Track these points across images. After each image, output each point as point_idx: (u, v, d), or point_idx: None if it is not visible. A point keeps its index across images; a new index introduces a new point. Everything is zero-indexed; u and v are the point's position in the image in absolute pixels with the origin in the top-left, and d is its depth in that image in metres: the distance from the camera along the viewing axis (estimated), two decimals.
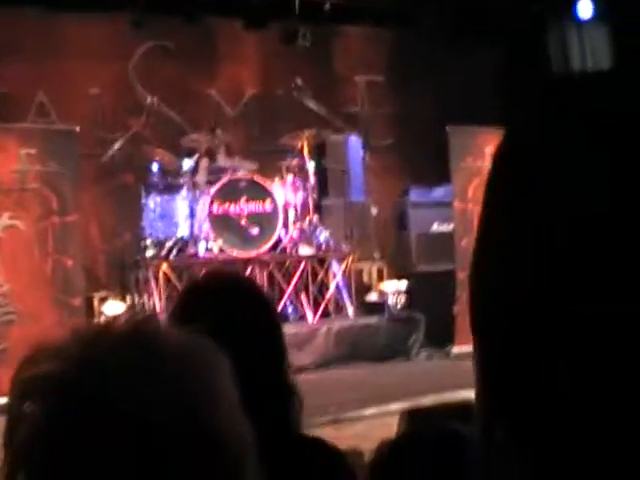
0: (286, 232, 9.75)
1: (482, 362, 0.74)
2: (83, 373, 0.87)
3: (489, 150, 9.76)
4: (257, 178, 9.68)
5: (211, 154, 10.08)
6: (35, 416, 0.86)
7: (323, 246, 10.01)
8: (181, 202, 9.65)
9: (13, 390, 0.91)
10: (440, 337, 9.68)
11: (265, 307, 2.12)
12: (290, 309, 9.87)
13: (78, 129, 8.69)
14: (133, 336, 0.91)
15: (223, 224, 9.40)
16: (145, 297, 9.51)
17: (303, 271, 9.87)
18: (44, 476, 0.86)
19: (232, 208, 9.46)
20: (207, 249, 9.37)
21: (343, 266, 10.03)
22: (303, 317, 9.80)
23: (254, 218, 9.49)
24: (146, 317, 0.98)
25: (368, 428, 6.00)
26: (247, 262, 9.56)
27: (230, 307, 2.02)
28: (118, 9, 10.44)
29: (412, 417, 3.66)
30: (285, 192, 9.84)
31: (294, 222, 9.86)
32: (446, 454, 1.64)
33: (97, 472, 0.84)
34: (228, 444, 0.89)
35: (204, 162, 9.90)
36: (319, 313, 9.75)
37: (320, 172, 10.47)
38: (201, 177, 9.85)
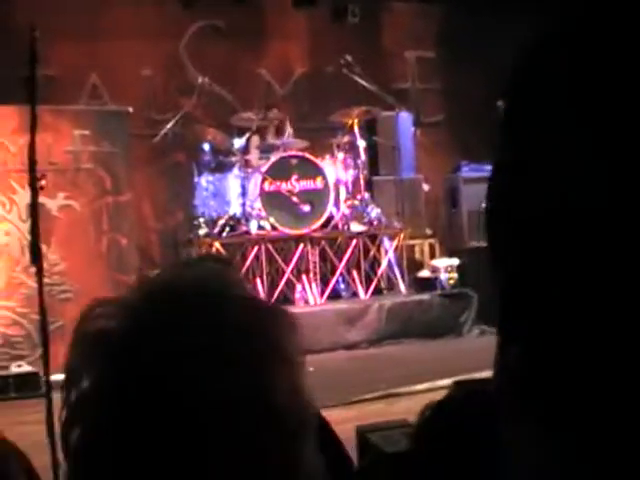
0: (337, 209, 9.77)
1: (498, 284, 0.74)
2: (145, 332, 0.87)
3: None
4: (308, 156, 9.71)
5: (262, 132, 10.13)
6: (95, 372, 0.87)
7: (374, 223, 10.01)
8: (233, 180, 9.71)
9: (74, 344, 0.92)
10: (492, 314, 9.61)
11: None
12: (342, 286, 9.89)
13: (131, 110, 8.79)
14: (199, 296, 0.91)
15: (275, 202, 9.45)
16: None
17: (355, 248, 9.89)
18: (99, 432, 0.86)
19: (283, 186, 9.51)
20: (259, 227, 9.43)
21: (395, 243, 10.02)
22: (355, 294, 9.82)
23: (305, 195, 9.52)
24: (214, 272, 0.96)
25: (418, 403, 6.00)
26: (299, 239, 9.60)
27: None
28: None
29: (460, 386, 3.68)
30: (336, 169, 9.85)
31: (345, 199, 9.87)
32: (490, 412, 1.65)
33: (150, 431, 0.84)
34: (287, 416, 0.88)
35: (255, 140, 9.96)
36: (371, 290, 9.77)
37: (371, 149, 10.48)
38: (253, 155, 9.91)
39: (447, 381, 6.53)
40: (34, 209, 4.04)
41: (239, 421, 0.85)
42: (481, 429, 1.71)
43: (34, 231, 3.91)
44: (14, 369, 7.71)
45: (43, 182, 4.09)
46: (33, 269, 7.29)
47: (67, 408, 0.90)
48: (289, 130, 10.25)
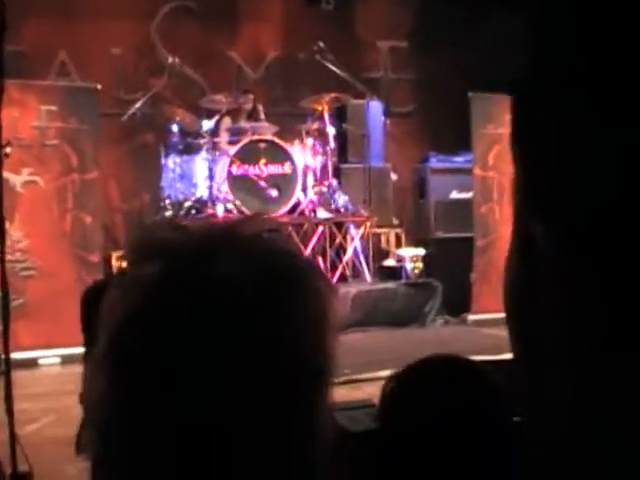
0: (305, 195, 9.74)
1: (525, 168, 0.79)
2: (202, 250, 0.89)
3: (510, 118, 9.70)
4: (277, 140, 9.66)
5: (232, 115, 10.07)
6: (150, 277, 0.88)
7: (341, 210, 9.99)
8: (200, 163, 9.64)
9: (129, 250, 0.98)
10: (457, 304, 9.67)
11: None
12: None
13: (99, 87, 8.69)
14: (256, 243, 0.93)
15: (242, 185, 9.41)
16: None
17: (321, 235, 9.86)
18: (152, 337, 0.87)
19: (251, 170, 9.46)
20: (226, 210, 9.37)
21: (361, 231, 10.01)
22: None
23: (273, 180, 9.49)
24: (275, 234, 0.96)
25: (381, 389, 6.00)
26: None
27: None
28: None
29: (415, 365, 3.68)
30: (305, 155, 9.82)
31: (313, 185, 9.84)
32: (460, 377, 1.64)
33: (188, 343, 0.85)
34: (312, 356, 0.91)
35: (225, 123, 9.89)
36: (336, 277, 9.75)
37: (340, 136, 10.44)
38: (222, 138, 9.85)
39: None
40: None
41: (265, 350, 0.87)
42: (445, 402, 1.70)
43: None
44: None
45: (8, 149, 4.02)
46: None
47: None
48: (261, 114, 10.21)
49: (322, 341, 0.93)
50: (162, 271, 0.88)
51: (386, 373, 6.34)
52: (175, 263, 0.88)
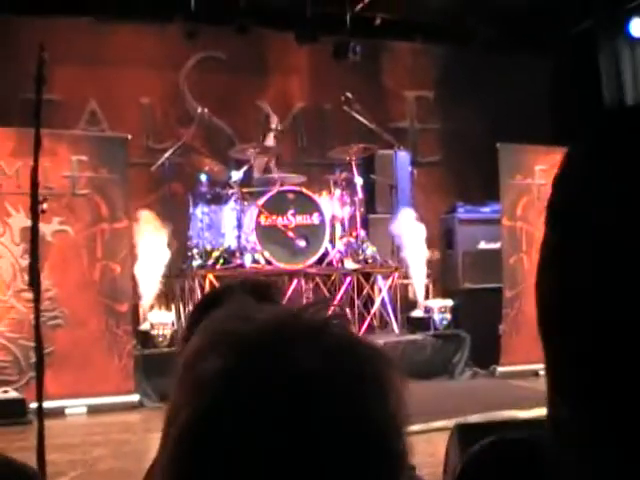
0: (333, 246, 9.72)
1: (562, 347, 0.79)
2: (276, 344, 0.86)
3: (539, 168, 9.68)
4: (305, 191, 9.67)
5: (260, 166, 10.10)
6: (216, 370, 0.85)
7: (369, 261, 9.96)
8: (229, 212, 9.66)
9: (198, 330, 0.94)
10: (485, 356, 9.58)
11: None
12: None
13: (129, 137, 8.74)
14: (324, 328, 0.91)
15: (270, 236, 9.40)
16: (191, 307, 9.51)
17: (349, 285, 9.83)
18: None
19: (280, 220, 9.46)
20: (253, 260, 9.36)
21: (389, 281, 9.97)
22: None
23: (301, 230, 9.48)
24: (338, 315, 0.95)
25: (412, 445, 5.92)
26: (293, 274, 9.54)
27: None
28: (171, 19, 10.52)
29: (464, 432, 3.61)
30: (332, 205, 9.83)
31: (341, 236, 9.83)
32: (522, 459, 1.60)
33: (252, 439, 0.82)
34: (393, 440, 0.89)
35: (253, 173, 9.93)
36: (364, 328, 9.70)
37: (368, 187, 10.45)
38: (250, 188, 9.87)
39: (440, 423, 6.47)
40: (35, 233, 3.97)
41: (343, 439, 0.85)
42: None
43: (34, 253, 3.83)
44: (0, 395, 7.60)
45: (45, 206, 4.03)
46: (24, 294, 7.22)
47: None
48: (285, 165, 10.26)
49: (400, 428, 0.91)
50: (240, 367, 0.85)
51: (417, 428, 6.19)
52: (250, 358, 0.85)
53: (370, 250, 9.96)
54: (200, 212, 9.74)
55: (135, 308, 8.99)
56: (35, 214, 3.93)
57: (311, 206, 9.59)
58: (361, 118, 10.21)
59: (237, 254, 9.42)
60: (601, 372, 0.72)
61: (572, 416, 0.77)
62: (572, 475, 0.76)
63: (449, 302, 10.03)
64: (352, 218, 9.95)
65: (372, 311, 9.89)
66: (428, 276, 10.50)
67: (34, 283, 3.74)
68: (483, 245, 10.45)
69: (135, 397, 8.13)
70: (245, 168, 9.80)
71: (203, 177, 9.78)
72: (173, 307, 9.56)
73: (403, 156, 10.86)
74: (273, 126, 10.31)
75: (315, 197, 9.67)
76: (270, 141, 10.27)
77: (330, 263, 9.75)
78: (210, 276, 9.23)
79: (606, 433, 0.72)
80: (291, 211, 9.49)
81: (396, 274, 10.00)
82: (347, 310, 9.49)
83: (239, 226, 9.47)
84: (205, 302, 2.08)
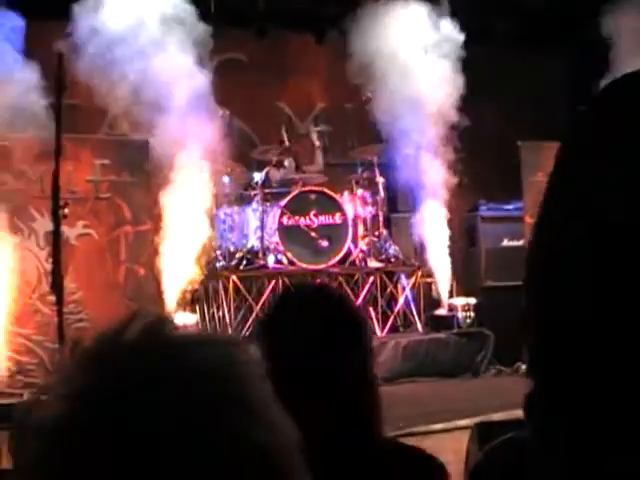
0: (355, 245, 9.74)
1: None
2: (101, 387, 0.77)
3: None
4: (327, 191, 9.69)
5: (281, 166, 10.13)
6: (46, 423, 0.76)
7: (392, 260, 9.97)
8: (251, 214, 9.70)
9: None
10: (509, 354, 9.55)
11: (358, 325, 2.06)
12: None
13: (151, 140, 8.79)
14: (149, 346, 0.80)
15: (293, 236, 9.43)
16: (214, 308, 9.56)
17: (372, 284, 9.84)
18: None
19: (302, 220, 9.49)
20: (277, 261, 9.40)
21: (412, 280, 9.97)
22: (371, 331, 9.73)
23: (324, 231, 9.50)
24: (157, 322, 0.83)
25: (437, 443, 5.94)
26: (316, 274, 9.56)
27: (324, 321, 1.98)
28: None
29: (484, 430, 3.63)
30: (355, 205, 9.85)
31: (363, 235, 9.85)
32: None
33: None
34: (273, 457, 0.78)
35: (275, 174, 9.96)
36: (387, 327, 9.71)
37: (390, 186, 10.45)
38: (272, 189, 9.90)
39: (464, 421, 6.47)
40: (56, 237, 4.02)
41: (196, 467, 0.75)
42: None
43: (56, 259, 3.89)
44: (27, 397, 7.67)
45: (66, 210, 4.08)
46: (50, 297, 7.29)
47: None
48: (318, 161, 10.27)
49: (280, 438, 0.81)
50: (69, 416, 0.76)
51: (440, 427, 6.20)
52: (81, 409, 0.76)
53: (392, 249, 9.98)
54: (223, 214, 9.78)
55: (160, 310, 9.04)
56: (57, 219, 3.97)
57: (333, 206, 9.61)
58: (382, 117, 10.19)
59: (260, 255, 9.45)
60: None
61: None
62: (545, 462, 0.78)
63: (472, 300, 10.02)
64: (374, 217, 9.97)
65: (395, 310, 9.89)
66: (451, 273, 10.49)
67: (56, 287, 3.79)
68: (506, 243, 10.44)
69: None
70: (267, 169, 9.84)
71: (225, 179, 9.83)
72: (197, 308, 9.61)
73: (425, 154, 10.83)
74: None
75: (337, 197, 9.69)
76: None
77: (353, 263, 9.77)
78: (234, 277, 9.27)
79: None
80: (313, 211, 9.52)
81: (419, 273, 10.00)
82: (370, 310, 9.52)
83: (262, 227, 9.51)
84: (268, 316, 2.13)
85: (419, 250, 10.18)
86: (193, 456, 0.74)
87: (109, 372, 0.77)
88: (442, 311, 10.18)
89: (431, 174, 10.74)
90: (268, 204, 9.66)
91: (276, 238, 9.39)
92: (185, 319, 8.99)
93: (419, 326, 9.84)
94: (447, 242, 10.20)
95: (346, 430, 1.92)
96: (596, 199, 0.72)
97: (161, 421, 0.74)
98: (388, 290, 9.98)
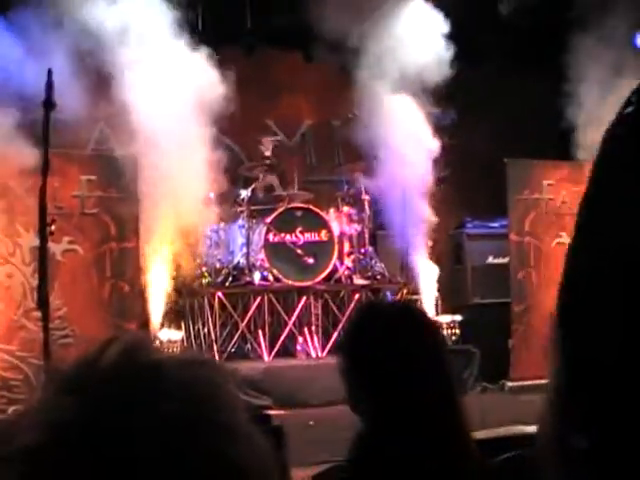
0: (341, 262, 9.75)
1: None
2: (78, 413, 0.77)
3: (546, 183, 9.70)
4: (313, 208, 9.71)
5: (267, 184, 10.13)
6: (24, 451, 0.76)
7: (378, 277, 9.98)
8: (237, 230, 9.70)
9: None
10: (495, 371, 9.57)
11: (436, 337, 2.17)
12: None
13: (138, 156, 8.78)
14: (125, 371, 0.80)
15: (279, 253, 9.43)
16: (200, 324, 9.55)
17: (357, 301, 9.84)
18: None
19: (288, 237, 9.50)
20: (262, 277, 9.39)
21: (398, 297, 9.98)
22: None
23: (310, 248, 9.51)
24: (137, 343, 0.84)
25: None
26: (302, 291, 9.56)
27: (407, 337, 2.06)
28: (178, 39, 10.56)
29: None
30: (341, 222, 9.86)
31: (349, 252, 9.86)
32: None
33: None
34: (250, 474, 0.79)
35: (261, 191, 9.96)
36: None
37: (376, 203, 10.46)
38: (258, 206, 9.90)
39: None
40: (43, 253, 4.02)
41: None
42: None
43: (42, 275, 3.88)
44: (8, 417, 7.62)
45: (53, 227, 4.07)
46: (35, 313, 7.25)
47: None
48: (296, 181, 10.27)
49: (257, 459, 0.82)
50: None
51: None
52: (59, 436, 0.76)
53: (378, 266, 9.99)
54: (209, 230, 9.78)
55: (145, 326, 9.01)
56: (43, 235, 3.96)
57: (319, 223, 9.63)
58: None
59: (246, 271, 9.45)
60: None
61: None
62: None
63: (458, 317, 10.03)
64: (360, 234, 9.98)
65: None
66: (437, 291, 10.51)
67: (42, 304, 3.78)
68: (491, 260, 10.46)
69: None
70: (253, 186, 9.85)
71: (211, 195, 9.82)
72: (183, 325, 9.58)
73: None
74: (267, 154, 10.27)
75: (323, 214, 9.70)
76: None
77: (339, 280, 9.78)
78: (219, 293, 9.26)
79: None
80: (299, 228, 9.53)
81: (405, 290, 10.01)
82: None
83: (248, 244, 9.51)
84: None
85: (405, 267, 10.18)
86: (172, 477, 0.74)
87: (85, 399, 0.77)
88: None
89: (417, 191, 10.77)
90: (254, 221, 9.67)
91: (262, 255, 9.39)
92: (170, 336, 8.97)
93: None
94: (432, 259, 10.21)
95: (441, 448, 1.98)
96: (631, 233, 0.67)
97: (137, 445, 0.75)
98: None
